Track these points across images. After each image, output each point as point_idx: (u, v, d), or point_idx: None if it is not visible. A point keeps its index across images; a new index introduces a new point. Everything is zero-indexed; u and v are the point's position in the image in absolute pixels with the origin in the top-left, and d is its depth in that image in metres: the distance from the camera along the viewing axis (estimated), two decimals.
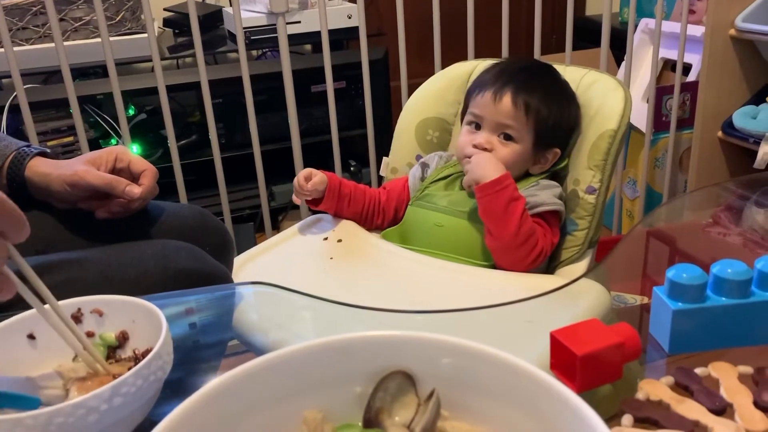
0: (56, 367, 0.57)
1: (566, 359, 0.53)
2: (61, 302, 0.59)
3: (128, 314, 0.61)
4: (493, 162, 1.05)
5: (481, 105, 1.11)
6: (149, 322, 0.58)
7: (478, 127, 1.12)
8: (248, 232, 2.08)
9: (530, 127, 1.09)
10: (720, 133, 1.86)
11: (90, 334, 0.61)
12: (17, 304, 0.61)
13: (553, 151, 1.12)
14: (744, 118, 1.78)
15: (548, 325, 0.56)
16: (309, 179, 1.11)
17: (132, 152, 0.91)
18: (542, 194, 1.08)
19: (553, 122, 1.10)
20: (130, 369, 0.53)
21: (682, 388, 0.54)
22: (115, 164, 0.88)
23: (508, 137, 1.09)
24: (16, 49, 1.43)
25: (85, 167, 0.85)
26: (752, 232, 1.02)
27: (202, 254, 0.77)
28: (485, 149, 1.09)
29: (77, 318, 0.61)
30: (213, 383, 0.40)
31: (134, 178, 0.88)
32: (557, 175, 1.17)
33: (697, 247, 1.01)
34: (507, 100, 1.08)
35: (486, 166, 1.04)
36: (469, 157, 1.09)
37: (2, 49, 1.38)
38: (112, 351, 0.61)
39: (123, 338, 0.61)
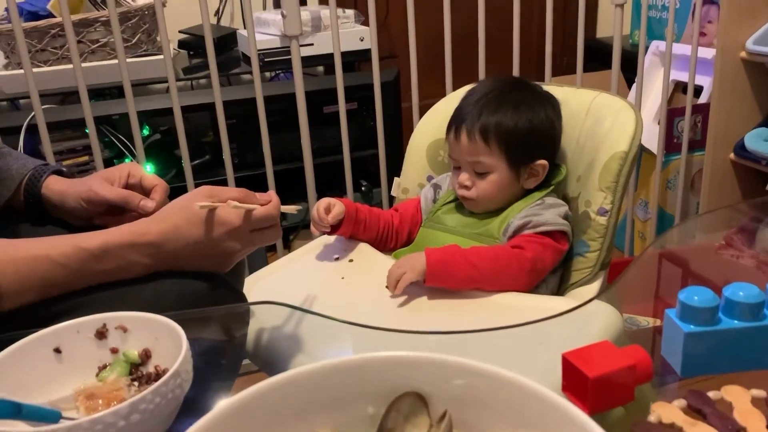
0: (78, 386, 0.58)
1: (578, 381, 0.53)
2: (86, 318, 0.60)
3: (151, 331, 0.62)
4: (406, 263, 1.00)
5: (450, 147, 1.13)
6: (171, 340, 0.58)
7: (459, 166, 1.13)
8: (259, 251, 2.08)
9: (498, 152, 1.08)
10: (732, 155, 1.85)
11: (114, 351, 0.62)
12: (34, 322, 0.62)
13: (540, 164, 1.11)
14: (756, 140, 1.78)
15: (560, 346, 0.57)
16: (329, 211, 1.10)
17: (146, 171, 0.93)
18: (547, 213, 1.07)
19: (521, 137, 1.08)
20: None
21: (694, 411, 0.53)
22: (128, 180, 0.90)
23: (481, 170, 1.09)
24: (34, 70, 1.45)
25: (100, 183, 0.87)
26: (765, 254, 1.02)
27: (218, 276, 0.78)
28: (466, 186, 1.10)
29: (102, 333, 0.62)
30: (226, 403, 0.40)
31: (146, 193, 0.90)
32: (566, 196, 1.17)
33: (710, 269, 1.01)
34: (463, 138, 1.09)
35: (401, 267, 0.99)
36: (464, 197, 1.11)
37: (22, 71, 1.40)
38: (134, 368, 0.61)
39: (146, 356, 0.62)
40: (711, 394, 0.55)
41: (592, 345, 0.55)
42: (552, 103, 1.14)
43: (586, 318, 0.85)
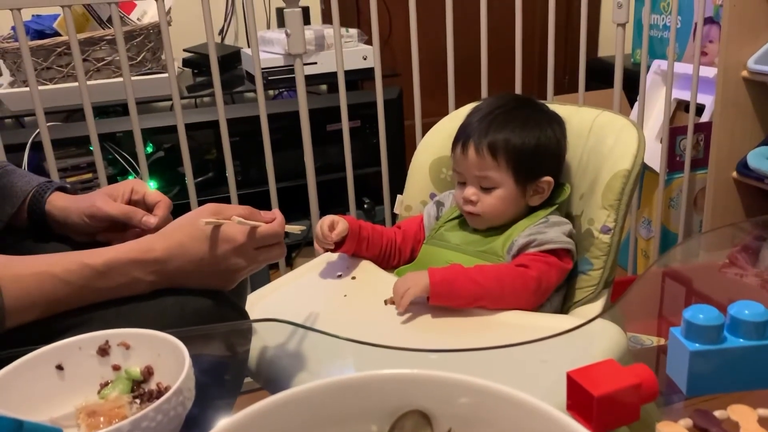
0: (80, 403, 0.58)
1: (583, 400, 0.52)
2: (89, 335, 0.60)
3: (154, 348, 0.61)
4: (411, 279, 1.00)
5: (456, 162, 1.13)
6: (174, 357, 0.58)
7: (463, 181, 1.13)
8: (262, 269, 2.09)
9: (505, 168, 1.08)
10: (735, 174, 1.86)
11: (116, 368, 0.62)
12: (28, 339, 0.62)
13: (545, 180, 1.11)
14: (759, 159, 1.78)
15: (563, 365, 0.56)
16: (333, 228, 1.10)
17: (149, 187, 0.93)
18: (551, 232, 1.07)
19: (528, 153, 1.08)
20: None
21: (700, 431, 0.53)
22: (131, 196, 0.90)
23: (488, 186, 1.10)
24: (40, 88, 1.46)
25: (103, 199, 0.87)
26: None
27: (220, 294, 0.78)
28: (471, 201, 1.10)
29: (105, 350, 0.62)
30: (227, 421, 0.40)
31: (149, 209, 0.90)
32: (569, 214, 1.17)
33: (714, 287, 1.00)
34: (471, 152, 1.09)
35: (405, 283, 1.00)
36: (469, 213, 1.11)
37: (27, 88, 1.41)
38: (136, 385, 0.61)
39: (148, 373, 0.61)
40: (717, 413, 0.55)
41: (597, 363, 0.55)
42: (558, 121, 1.15)
43: (590, 336, 0.85)
